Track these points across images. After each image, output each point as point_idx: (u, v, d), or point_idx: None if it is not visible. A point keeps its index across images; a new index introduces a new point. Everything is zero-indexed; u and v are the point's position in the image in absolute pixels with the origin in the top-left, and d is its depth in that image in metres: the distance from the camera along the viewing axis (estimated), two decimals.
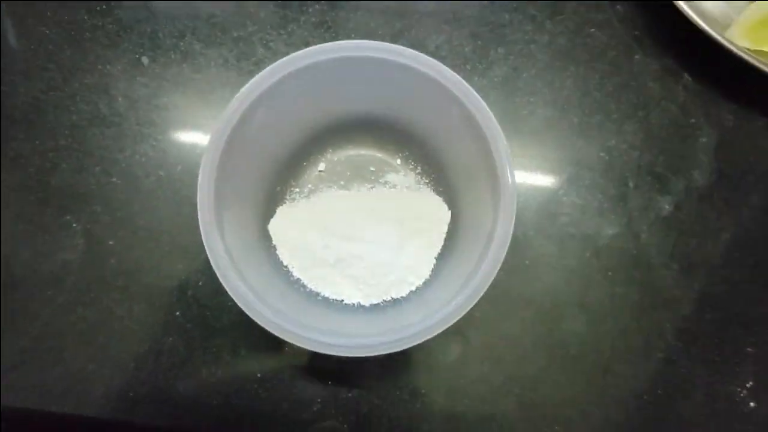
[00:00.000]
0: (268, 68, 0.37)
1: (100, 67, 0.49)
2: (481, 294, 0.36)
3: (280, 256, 0.46)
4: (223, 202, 0.38)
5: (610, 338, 0.47)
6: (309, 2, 0.51)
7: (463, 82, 0.38)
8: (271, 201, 0.46)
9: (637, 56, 0.51)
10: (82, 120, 0.48)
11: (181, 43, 0.49)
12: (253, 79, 0.37)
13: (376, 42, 0.38)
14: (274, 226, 0.46)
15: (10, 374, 0.45)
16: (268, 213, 0.46)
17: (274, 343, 0.46)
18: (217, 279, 0.43)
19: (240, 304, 0.36)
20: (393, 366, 0.46)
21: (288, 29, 0.50)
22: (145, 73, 0.49)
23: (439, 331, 0.36)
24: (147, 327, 0.46)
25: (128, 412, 0.45)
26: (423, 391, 0.46)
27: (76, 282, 0.47)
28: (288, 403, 0.46)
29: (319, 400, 0.46)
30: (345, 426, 0.46)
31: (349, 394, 0.46)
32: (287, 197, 0.46)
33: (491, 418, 0.46)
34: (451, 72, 0.38)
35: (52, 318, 0.46)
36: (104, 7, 0.49)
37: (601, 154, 0.49)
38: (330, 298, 0.45)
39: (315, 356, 0.46)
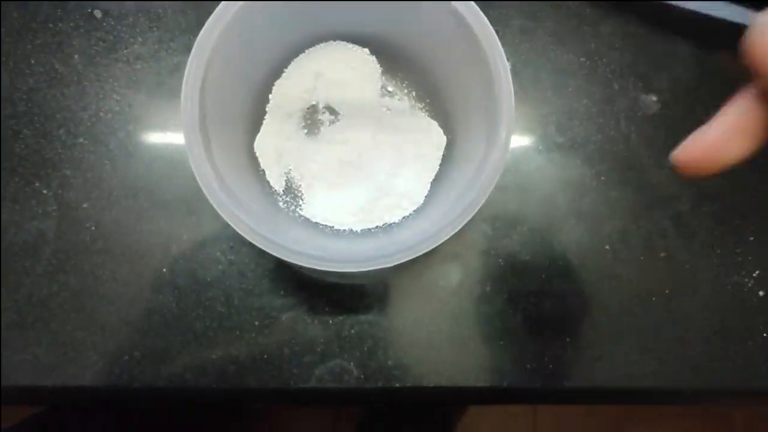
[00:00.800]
0: None
1: (51, 25, 0.46)
2: (473, 212, 0.35)
3: (268, 177, 0.44)
4: (208, 119, 0.36)
5: (610, 243, 0.46)
6: None
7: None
8: (258, 120, 0.44)
9: None
10: (40, 82, 0.46)
11: None
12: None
13: None
14: (261, 145, 0.44)
15: None
16: (255, 131, 0.44)
17: (269, 288, 0.45)
18: (203, 231, 0.42)
19: (224, 216, 0.34)
20: (393, 298, 0.45)
21: None
22: (100, 26, 0.46)
23: (430, 247, 0.34)
24: (134, 287, 0.45)
25: (125, 377, 0.44)
26: (426, 319, 0.45)
27: (54, 250, 0.45)
28: (290, 347, 0.44)
29: (321, 340, 0.45)
30: (351, 363, 0.44)
31: (352, 331, 0.45)
32: (275, 115, 0.44)
33: (498, 337, 0.45)
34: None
35: (34, 289, 0.44)
36: None
37: (582, 59, 0.48)
38: (321, 223, 0.44)
39: (313, 296, 0.45)
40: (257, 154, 0.44)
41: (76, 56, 0.46)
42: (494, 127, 0.36)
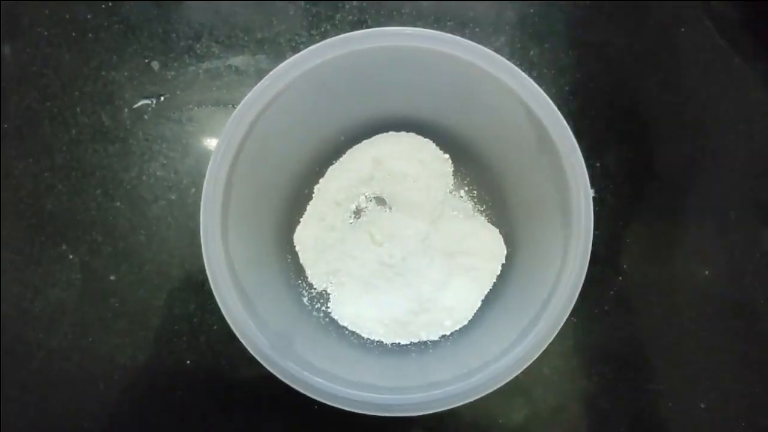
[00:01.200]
0: (292, 57, 0.30)
1: (104, 73, 0.42)
2: (543, 348, 0.29)
3: (303, 270, 0.39)
4: (233, 206, 0.32)
5: (707, 401, 0.39)
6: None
7: (536, 85, 0.31)
8: (294, 209, 0.40)
9: (736, 59, 0.42)
10: (83, 134, 0.41)
11: (197, 45, 0.42)
12: (276, 69, 0.30)
13: (422, 29, 0.30)
14: (300, 235, 0.39)
15: None
16: (293, 222, 0.39)
17: (303, 401, 0.39)
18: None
19: (228, 320, 0.31)
20: (439, 428, 0.39)
21: (321, 29, 0.42)
22: (155, 80, 0.42)
23: (484, 393, 0.29)
24: (153, 379, 0.39)
25: None
26: None
27: (72, 324, 0.40)
28: None
29: None
30: None
31: None
32: (317, 207, 0.39)
33: None
34: (520, 72, 0.30)
35: (44, 365, 0.39)
36: (110, 4, 0.42)
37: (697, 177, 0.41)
38: (348, 329, 0.38)
39: (346, 425, 0.39)
40: (296, 245, 0.39)
41: (126, 110, 0.42)
42: (569, 243, 0.30)
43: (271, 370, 0.30)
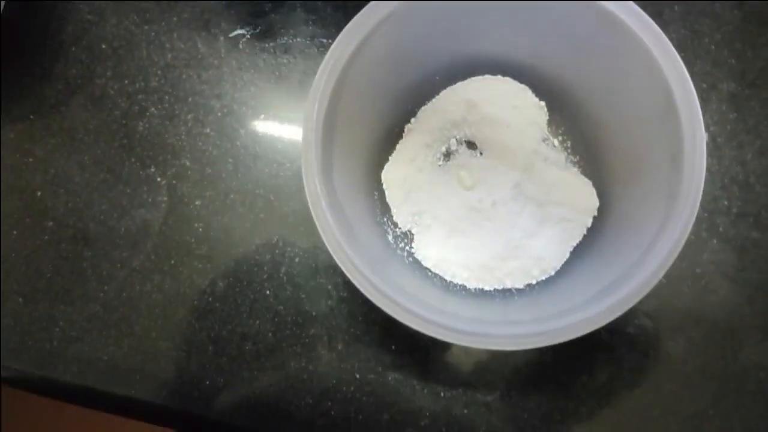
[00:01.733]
0: None
1: (200, 0, 0.42)
2: (626, 308, 0.28)
3: (393, 210, 0.38)
4: (332, 140, 0.31)
5: None
6: None
7: (655, 26, 0.29)
8: (386, 144, 0.39)
9: None
10: (178, 60, 0.42)
11: None
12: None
13: None
14: (390, 173, 0.38)
15: (73, 345, 0.39)
16: (381, 159, 0.39)
17: (380, 339, 0.38)
18: (318, 256, 0.36)
19: (327, 242, 0.29)
20: (521, 383, 0.38)
21: None
22: (253, 10, 0.42)
23: (561, 340, 0.28)
24: (231, 305, 0.39)
25: (201, 404, 0.38)
26: (557, 416, 0.37)
27: (155, 245, 0.40)
28: (390, 414, 0.38)
29: (427, 414, 0.38)
30: None
31: (465, 411, 0.38)
32: (407, 146, 0.38)
33: None
34: (639, 10, 0.29)
35: (126, 284, 0.40)
36: None
37: None
38: (431, 270, 0.37)
39: (428, 359, 0.38)
40: (383, 183, 0.38)
41: (221, 38, 0.42)
42: (673, 204, 0.29)
43: (367, 294, 0.29)
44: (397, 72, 0.36)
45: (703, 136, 0.29)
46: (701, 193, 0.28)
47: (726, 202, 0.39)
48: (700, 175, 0.28)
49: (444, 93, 0.39)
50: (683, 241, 0.28)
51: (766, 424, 0.37)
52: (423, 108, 0.39)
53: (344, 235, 0.30)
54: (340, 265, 0.29)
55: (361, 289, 0.29)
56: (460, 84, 0.39)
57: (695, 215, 0.28)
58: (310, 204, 0.29)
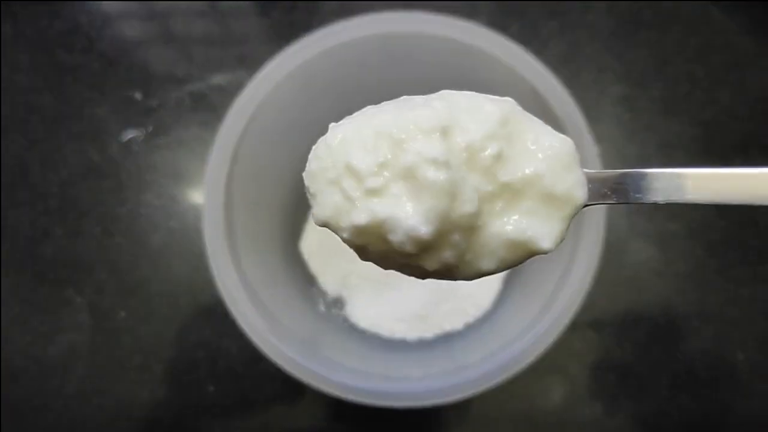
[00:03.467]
0: (289, 49, 0.30)
1: (87, 111, 0.41)
2: (566, 322, 0.28)
3: (314, 278, 0.38)
4: (235, 222, 0.31)
5: (744, 352, 0.38)
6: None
7: (533, 58, 0.30)
8: (297, 219, 0.39)
9: (715, 10, 0.42)
10: (73, 175, 0.41)
11: (176, 70, 0.42)
12: (260, 72, 0.30)
13: (417, 13, 0.30)
14: (305, 244, 0.38)
15: None
16: (295, 233, 0.38)
17: (333, 414, 0.38)
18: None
19: (250, 335, 0.29)
20: (478, 421, 0.37)
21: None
22: (140, 110, 0.41)
23: (514, 372, 0.28)
24: (176, 409, 0.38)
25: None
26: None
27: (87, 367, 0.39)
28: None
29: None
30: None
31: None
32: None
33: None
34: (518, 47, 0.30)
35: (63, 412, 0.38)
36: (85, 42, 0.42)
37: (695, 130, 0.40)
38: (368, 331, 0.37)
39: (378, 422, 0.37)
40: (303, 255, 0.38)
41: (113, 145, 0.41)
42: (583, 218, 0.29)
43: (300, 377, 0.28)
44: (291, 142, 0.36)
45: (592, 144, 0.29)
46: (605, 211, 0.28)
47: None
48: None
49: None
50: (598, 251, 0.28)
51: (722, 406, 0.37)
52: None
53: (268, 324, 0.29)
54: (272, 359, 0.28)
55: (299, 377, 0.28)
56: None
57: (604, 226, 0.28)
58: (225, 301, 0.29)
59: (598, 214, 0.29)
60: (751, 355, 0.37)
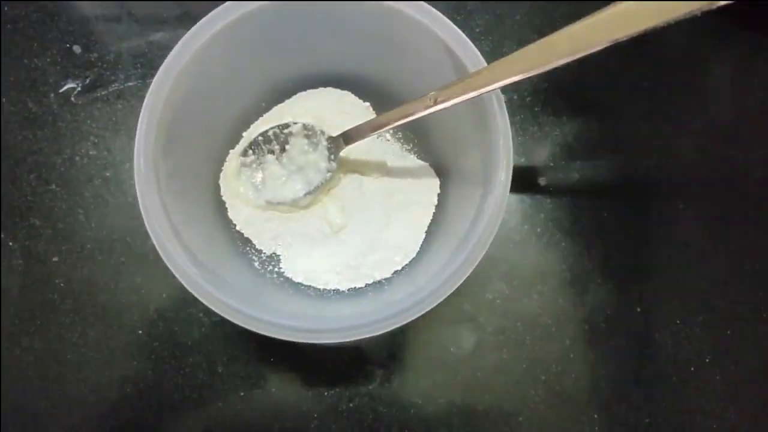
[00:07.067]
0: (205, 18, 0.31)
1: (26, 61, 0.42)
2: (471, 268, 0.30)
3: (248, 240, 0.39)
4: (166, 179, 0.32)
5: (641, 305, 0.41)
6: None
7: (450, 23, 0.32)
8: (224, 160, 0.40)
9: None
10: (11, 123, 0.42)
11: (117, 25, 0.43)
12: (204, 19, 0.31)
13: None
14: (234, 214, 0.39)
15: None
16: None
17: (258, 354, 0.40)
18: (184, 288, 0.37)
19: (183, 281, 0.30)
20: (398, 366, 0.40)
21: None
22: (79, 63, 0.43)
23: (423, 311, 0.29)
24: (106, 352, 0.40)
25: None
26: (437, 391, 0.40)
27: (18, 309, 0.40)
28: (280, 423, 0.39)
29: (315, 414, 0.39)
30: None
31: (351, 404, 0.39)
32: (248, 160, 0.39)
33: (518, 413, 0.39)
34: (440, 15, 0.32)
35: None
36: None
37: (606, 95, 0.43)
38: (303, 284, 0.38)
39: (307, 363, 0.40)
40: (236, 226, 0.39)
41: (51, 95, 0.42)
42: (491, 166, 0.31)
43: (234, 320, 0.29)
44: (223, 99, 0.38)
45: (502, 102, 0.31)
46: (511, 151, 0.30)
47: (552, 163, 0.42)
48: (507, 134, 0.31)
49: (274, 110, 0.41)
50: (505, 198, 0.30)
51: (617, 354, 0.40)
52: (252, 126, 0.40)
53: (204, 276, 0.30)
54: (206, 303, 0.29)
55: (232, 319, 0.29)
56: (288, 101, 0.41)
57: (510, 172, 0.30)
58: (157, 247, 0.30)
59: (507, 164, 0.31)
60: (647, 308, 0.41)
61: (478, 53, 0.31)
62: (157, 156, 0.31)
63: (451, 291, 0.30)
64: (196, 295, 0.29)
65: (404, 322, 0.30)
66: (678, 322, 0.41)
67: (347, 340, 0.29)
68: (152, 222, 0.30)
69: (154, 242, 0.29)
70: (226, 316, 0.29)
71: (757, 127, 0.43)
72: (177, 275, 0.29)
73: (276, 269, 0.39)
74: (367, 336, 0.29)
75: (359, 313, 0.33)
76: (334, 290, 0.39)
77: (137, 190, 0.30)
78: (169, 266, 0.29)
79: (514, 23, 0.44)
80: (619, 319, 0.41)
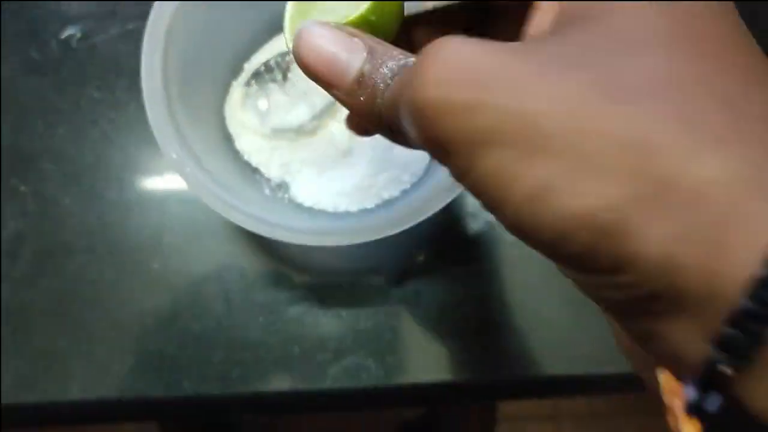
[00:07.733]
0: None
1: (25, 12, 0.43)
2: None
3: (257, 170, 0.40)
4: (177, 105, 0.32)
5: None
6: None
7: None
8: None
9: None
10: (15, 71, 0.42)
11: None
12: None
13: None
14: (241, 143, 0.40)
15: None
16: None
17: (273, 280, 0.40)
18: (196, 221, 0.38)
19: (207, 201, 0.30)
20: (415, 285, 0.40)
21: None
22: (78, 9, 0.43)
23: (433, 211, 0.30)
24: (123, 288, 0.40)
25: (116, 388, 0.39)
26: (454, 304, 0.40)
27: (34, 251, 0.40)
28: (299, 346, 0.39)
29: (334, 336, 0.39)
30: (369, 360, 0.39)
31: (368, 324, 0.40)
32: (252, 90, 0.40)
33: (545, 324, 0.40)
34: None
35: (11, 295, 0.40)
36: None
37: None
38: (314, 207, 0.39)
39: (323, 286, 0.40)
40: (243, 156, 0.40)
41: (53, 42, 0.43)
42: None
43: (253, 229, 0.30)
44: (218, 41, 0.38)
45: None
46: None
47: None
48: None
49: (268, 45, 0.41)
50: None
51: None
52: (253, 57, 0.41)
53: (218, 188, 0.31)
54: (231, 219, 0.30)
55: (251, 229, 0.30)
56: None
57: None
58: (176, 170, 0.30)
59: None
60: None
61: None
62: (167, 83, 0.32)
63: (446, 202, 0.30)
64: (221, 213, 0.30)
65: (400, 229, 0.31)
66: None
67: (356, 242, 0.30)
68: (166, 144, 0.30)
69: (170, 159, 0.30)
70: (246, 226, 0.30)
71: None
72: (197, 194, 0.30)
73: (286, 195, 0.40)
74: (359, 241, 0.30)
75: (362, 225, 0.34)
76: (344, 212, 0.39)
77: (149, 116, 0.30)
78: (188, 185, 0.30)
79: None
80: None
